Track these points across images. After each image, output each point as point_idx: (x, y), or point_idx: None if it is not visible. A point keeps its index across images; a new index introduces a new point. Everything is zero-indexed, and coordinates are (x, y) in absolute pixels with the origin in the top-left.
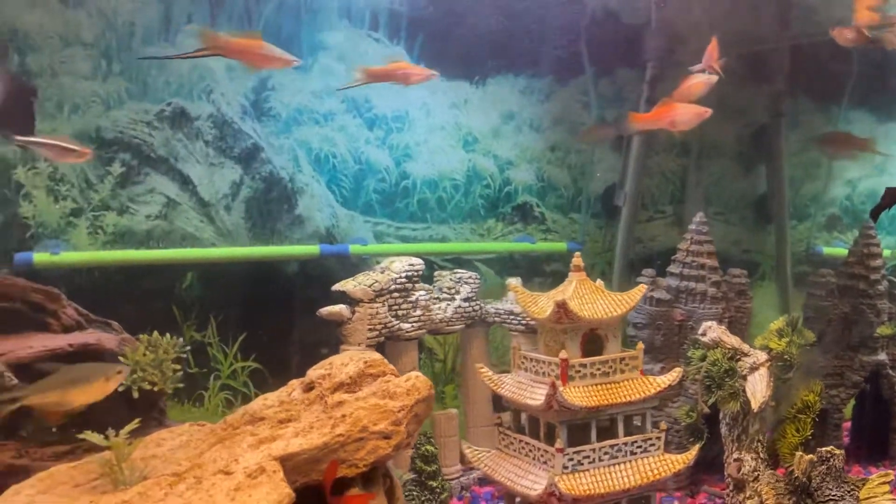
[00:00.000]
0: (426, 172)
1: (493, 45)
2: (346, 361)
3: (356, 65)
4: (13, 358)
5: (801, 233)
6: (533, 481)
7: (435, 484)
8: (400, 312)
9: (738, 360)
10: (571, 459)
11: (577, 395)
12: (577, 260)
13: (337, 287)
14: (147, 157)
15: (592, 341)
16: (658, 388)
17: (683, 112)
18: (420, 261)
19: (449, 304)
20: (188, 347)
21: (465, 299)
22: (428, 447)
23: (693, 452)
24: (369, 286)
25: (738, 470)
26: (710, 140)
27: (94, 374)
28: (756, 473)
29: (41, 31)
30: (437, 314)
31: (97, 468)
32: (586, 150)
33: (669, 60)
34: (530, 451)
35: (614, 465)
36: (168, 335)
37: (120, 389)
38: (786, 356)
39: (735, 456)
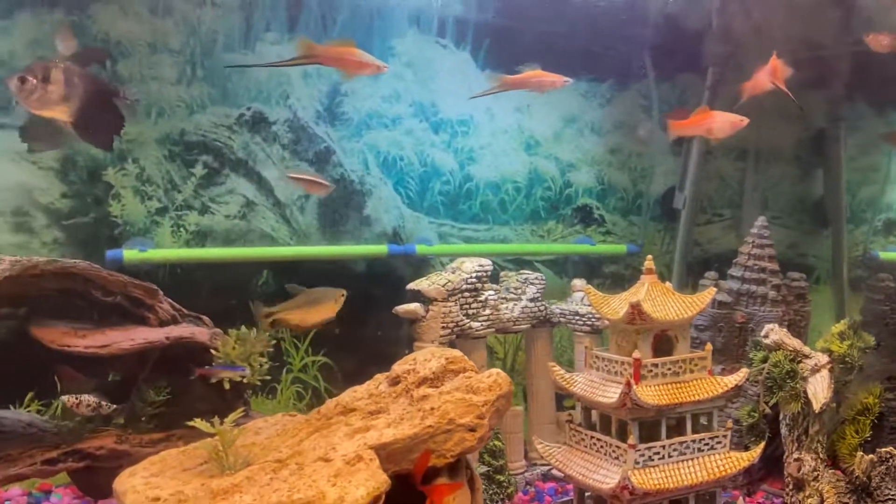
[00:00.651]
0: (489, 175)
1: (555, 51)
2: (429, 357)
3: (423, 70)
4: (116, 349)
5: (858, 237)
6: (605, 475)
7: (502, 478)
8: (470, 311)
9: (800, 362)
10: (643, 455)
11: (649, 393)
12: (650, 263)
13: (412, 286)
14: (227, 160)
15: (663, 342)
16: (725, 388)
17: (720, 120)
18: (489, 261)
19: (516, 304)
20: (273, 342)
21: (531, 299)
22: (496, 443)
23: (758, 450)
24: (442, 286)
25: (799, 469)
26: (768, 144)
27: (326, 297)
28: (816, 473)
29: (132, 38)
30: (505, 313)
31: (204, 453)
32: (646, 153)
33: (731, 65)
34: (602, 446)
35: (683, 461)
36: (253, 329)
37: (212, 381)
38: (847, 359)
39: (795, 456)
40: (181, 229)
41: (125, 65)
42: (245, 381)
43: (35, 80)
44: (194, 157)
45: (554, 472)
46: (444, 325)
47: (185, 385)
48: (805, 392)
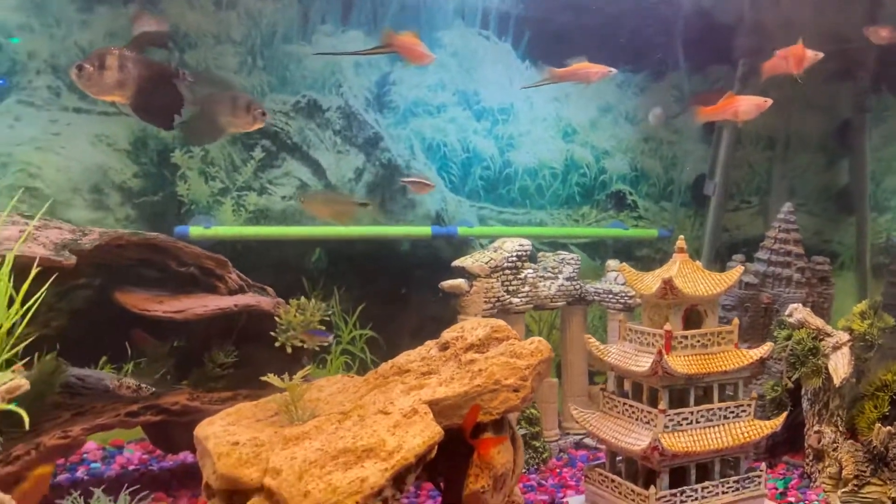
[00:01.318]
0: (527, 161)
1: (592, 42)
2: (475, 326)
3: (467, 60)
4: (191, 315)
5: (881, 224)
6: (636, 438)
7: (538, 444)
8: (511, 288)
9: (822, 339)
10: (672, 420)
11: (679, 363)
12: (681, 242)
13: (456, 263)
14: (284, 144)
15: (693, 316)
16: (751, 360)
17: (746, 102)
18: (528, 241)
19: (553, 283)
20: (331, 312)
21: (568, 278)
22: (532, 410)
23: (781, 419)
24: (485, 263)
25: (819, 441)
26: (795, 134)
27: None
28: (835, 444)
29: (198, 30)
30: (543, 291)
31: (274, 406)
32: (677, 141)
33: (761, 57)
34: (634, 412)
35: (709, 427)
36: (313, 300)
37: (276, 345)
38: (867, 337)
39: (816, 428)
40: (241, 208)
41: (192, 55)
42: (326, 345)
43: (92, 68)
44: (254, 142)
45: (586, 440)
46: (487, 299)
47: (250, 349)
48: (826, 368)
